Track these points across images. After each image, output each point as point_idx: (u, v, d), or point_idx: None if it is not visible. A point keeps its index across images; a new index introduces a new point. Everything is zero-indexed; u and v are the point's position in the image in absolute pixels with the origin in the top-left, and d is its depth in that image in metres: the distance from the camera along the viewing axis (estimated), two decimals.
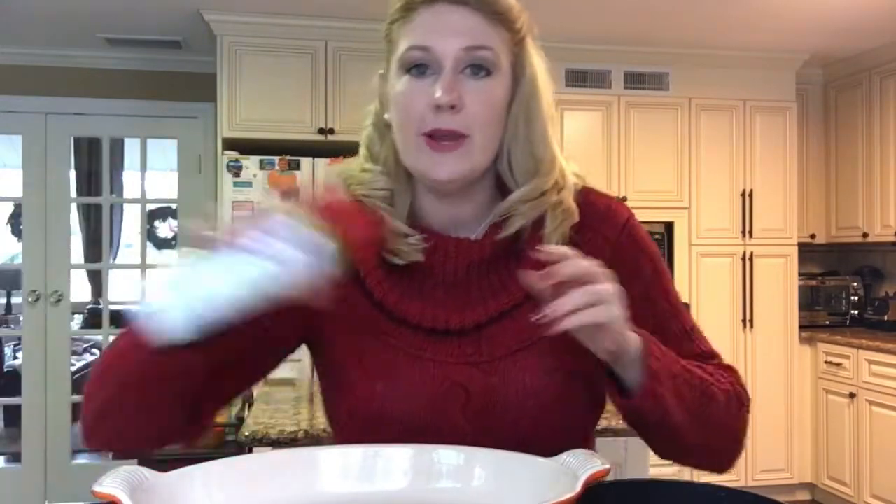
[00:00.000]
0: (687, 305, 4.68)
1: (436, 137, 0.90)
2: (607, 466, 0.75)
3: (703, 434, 0.93)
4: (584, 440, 0.98)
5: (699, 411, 0.91)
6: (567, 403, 0.94)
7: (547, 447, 0.85)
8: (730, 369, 1.02)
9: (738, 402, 0.97)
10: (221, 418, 2.43)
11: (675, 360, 0.91)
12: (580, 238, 0.98)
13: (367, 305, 0.96)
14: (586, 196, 1.03)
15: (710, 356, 1.02)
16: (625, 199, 4.17)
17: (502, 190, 0.99)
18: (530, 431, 0.92)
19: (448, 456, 0.83)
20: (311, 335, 0.99)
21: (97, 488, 0.67)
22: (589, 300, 0.80)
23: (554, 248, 0.85)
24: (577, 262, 0.82)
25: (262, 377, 1.02)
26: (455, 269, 0.96)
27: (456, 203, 0.97)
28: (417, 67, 0.92)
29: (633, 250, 1.02)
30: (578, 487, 0.70)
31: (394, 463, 0.83)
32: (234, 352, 0.87)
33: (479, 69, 0.91)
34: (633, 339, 0.86)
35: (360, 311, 0.96)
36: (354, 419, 0.95)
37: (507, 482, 0.80)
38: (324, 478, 0.82)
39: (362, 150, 1.01)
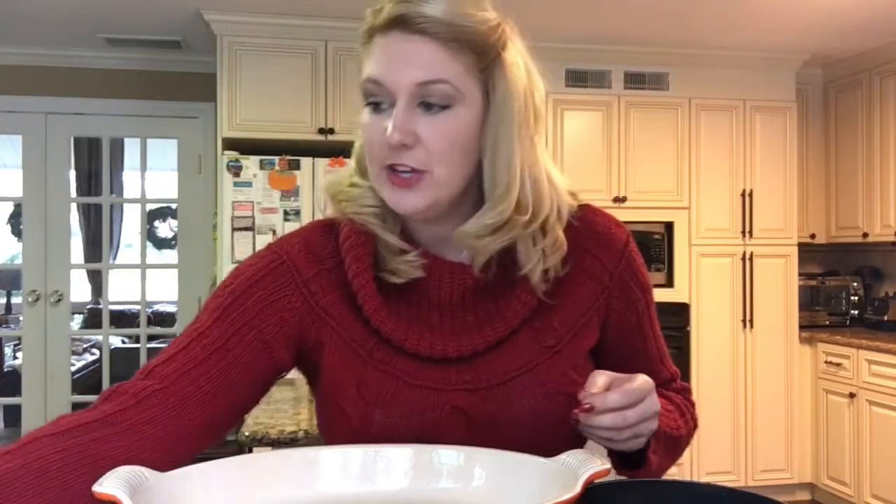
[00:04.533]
0: (686, 306, 4.61)
1: (396, 171, 0.87)
2: (607, 466, 0.75)
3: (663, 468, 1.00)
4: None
5: (670, 460, 0.99)
6: (569, 424, 0.92)
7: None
8: (688, 392, 1.09)
9: (692, 435, 1.05)
10: None
11: (664, 422, 0.95)
12: (577, 261, 0.97)
13: (363, 332, 0.93)
14: (584, 215, 0.99)
15: (674, 377, 1.08)
16: (625, 199, 4.17)
17: None
18: (532, 450, 0.90)
19: (448, 456, 0.83)
20: (307, 361, 0.97)
21: (97, 489, 0.68)
22: (637, 431, 0.85)
23: (595, 399, 0.84)
24: (624, 395, 0.83)
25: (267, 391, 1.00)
26: (450, 294, 0.94)
27: (438, 225, 0.93)
28: (374, 99, 0.88)
29: (630, 282, 1.01)
30: (578, 487, 0.70)
31: (394, 463, 0.83)
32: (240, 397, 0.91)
33: (434, 104, 0.86)
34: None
35: (357, 337, 0.93)
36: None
37: (507, 482, 0.80)
38: (324, 478, 0.82)
39: (353, 163, 0.98)
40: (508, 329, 0.93)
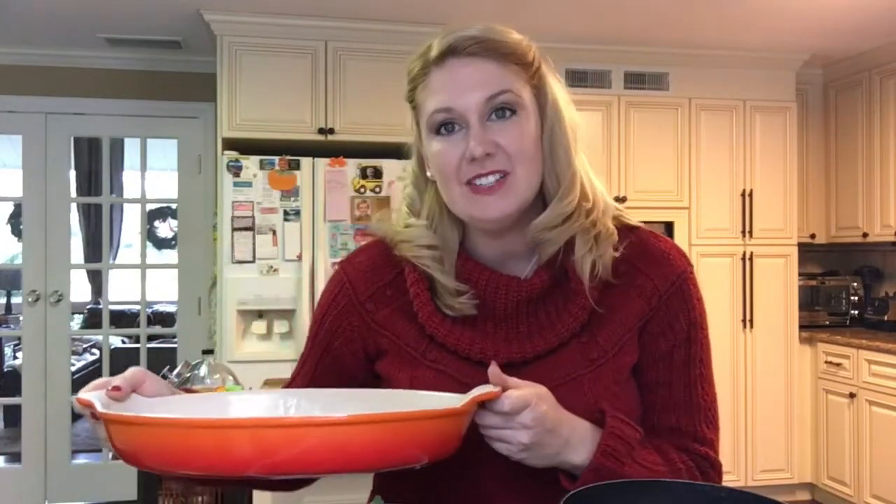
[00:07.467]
0: None
1: (479, 183, 0.94)
2: (497, 390, 0.83)
3: None
4: None
5: None
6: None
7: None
8: (711, 464, 1.01)
9: None
10: None
11: (631, 459, 0.92)
12: (629, 279, 1.00)
13: (418, 337, 1.02)
14: (641, 237, 1.04)
15: (699, 440, 1.01)
16: (625, 199, 4.17)
17: None
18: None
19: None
20: (374, 365, 1.07)
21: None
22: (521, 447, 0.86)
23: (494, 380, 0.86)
24: (513, 401, 0.84)
25: None
26: (505, 306, 1.00)
27: (507, 239, 1.00)
28: (445, 126, 0.95)
29: (677, 309, 1.01)
30: (464, 401, 0.80)
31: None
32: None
33: (504, 111, 0.94)
34: (578, 456, 0.90)
35: (411, 342, 1.02)
36: None
37: None
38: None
39: (403, 211, 1.06)
40: (558, 341, 0.98)
